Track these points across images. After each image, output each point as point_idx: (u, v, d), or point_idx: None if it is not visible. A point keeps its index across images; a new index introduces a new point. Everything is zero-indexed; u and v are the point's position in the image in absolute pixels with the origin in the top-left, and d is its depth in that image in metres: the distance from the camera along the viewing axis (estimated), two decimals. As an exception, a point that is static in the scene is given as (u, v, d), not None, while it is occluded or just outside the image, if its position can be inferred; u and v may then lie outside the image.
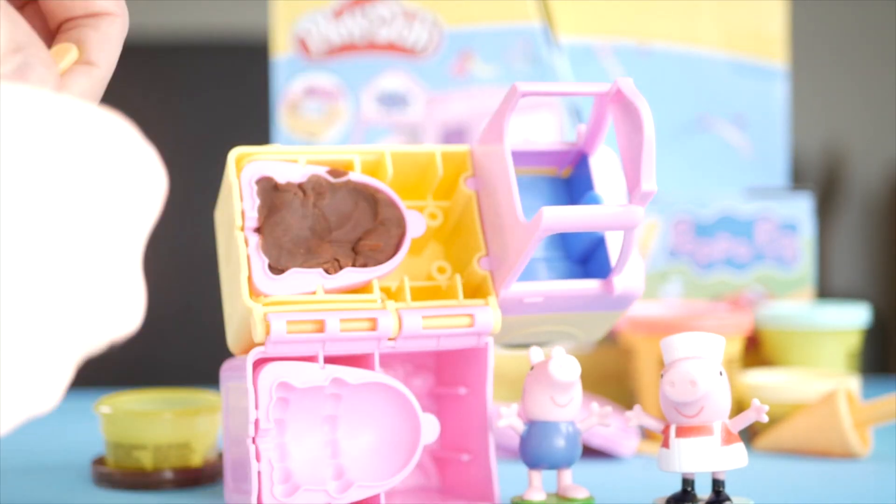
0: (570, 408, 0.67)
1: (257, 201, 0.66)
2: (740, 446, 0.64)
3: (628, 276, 0.68)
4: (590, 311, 0.70)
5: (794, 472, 0.81)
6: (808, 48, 2.54)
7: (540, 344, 0.72)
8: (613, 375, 0.99)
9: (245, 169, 0.67)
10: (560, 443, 0.67)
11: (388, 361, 0.73)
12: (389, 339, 0.67)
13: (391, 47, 1.02)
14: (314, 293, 0.66)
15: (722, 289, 1.01)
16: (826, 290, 1.44)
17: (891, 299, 2.72)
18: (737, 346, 0.92)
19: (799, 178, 2.15)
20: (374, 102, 1.02)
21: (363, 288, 0.68)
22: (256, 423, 0.65)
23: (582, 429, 0.67)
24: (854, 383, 0.89)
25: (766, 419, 0.63)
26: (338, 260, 0.67)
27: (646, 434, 0.87)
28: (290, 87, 1.02)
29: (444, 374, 0.73)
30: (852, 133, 2.77)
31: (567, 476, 0.68)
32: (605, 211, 0.64)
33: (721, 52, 1.03)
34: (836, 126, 2.76)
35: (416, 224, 0.69)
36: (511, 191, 0.66)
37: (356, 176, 0.68)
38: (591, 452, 0.83)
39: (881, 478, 0.79)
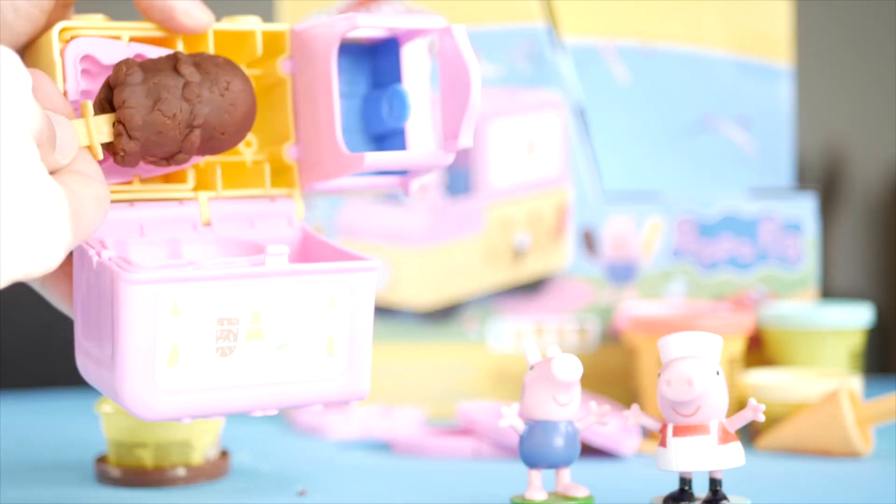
0: (571, 407, 0.67)
1: (81, 84, 0.66)
2: (737, 445, 0.64)
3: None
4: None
5: (795, 471, 0.81)
6: (814, 48, 2.54)
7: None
8: (616, 375, 0.99)
9: (69, 46, 0.66)
10: (559, 442, 0.67)
11: None
12: (206, 224, 0.70)
13: (396, 47, 1.02)
14: (131, 182, 0.68)
15: (725, 288, 1.01)
16: (829, 290, 1.44)
17: (894, 299, 2.72)
18: (739, 346, 0.93)
19: (803, 178, 2.15)
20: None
21: (180, 174, 0.70)
22: None
23: (580, 428, 0.68)
24: (856, 383, 0.89)
25: (762, 418, 0.63)
26: None
27: (648, 433, 0.87)
28: (294, 87, 1.02)
29: None
30: (857, 133, 2.77)
31: (566, 475, 0.68)
32: (420, 155, 0.68)
33: (726, 52, 1.03)
34: (841, 126, 2.76)
35: None
36: (333, 118, 0.69)
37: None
38: (592, 451, 0.84)
39: (882, 477, 0.79)
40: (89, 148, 0.63)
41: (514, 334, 1.01)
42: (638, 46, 1.03)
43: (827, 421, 0.84)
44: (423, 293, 1.01)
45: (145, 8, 0.67)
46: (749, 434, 0.89)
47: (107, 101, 0.64)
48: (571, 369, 0.66)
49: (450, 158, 0.68)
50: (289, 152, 0.71)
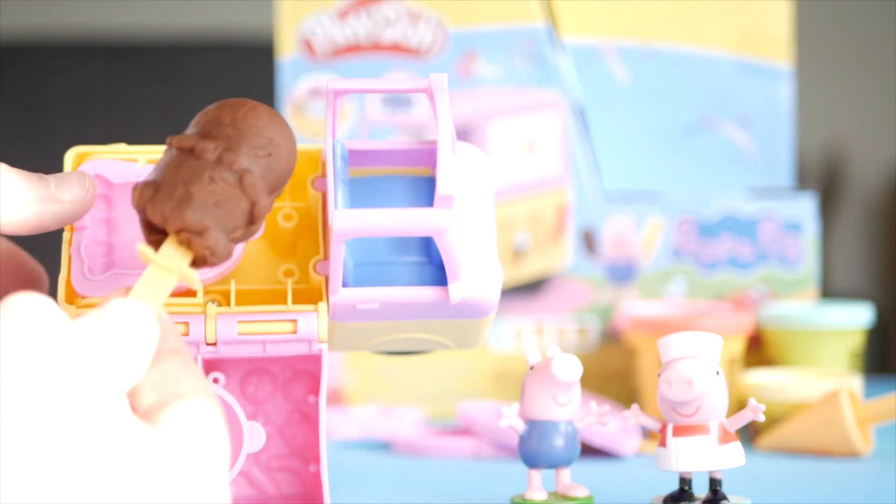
0: (571, 407, 0.67)
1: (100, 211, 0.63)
2: (737, 445, 0.64)
3: (473, 284, 0.64)
4: (437, 318, 0.66)
5: (795, 471, 0.81)
6: (814, 48, 2.54)
7: (425, 351, 0.70)
8: (616, 375, 1.00)
9: (81, 167, 0.63)
10: (559, 442, 0.67)
11: (238, 366, 0.69)
12: (210, 345, 0.63)
13: (396, 48, 1.02)
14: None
15: (725, 288, 1.01)
16: (829, 290, 1.44)
17: (894, 299, 2.72)
18: (739, 346, 0.93)
19: (803, 178, 2.15)
20: (380, 103, 1.03)
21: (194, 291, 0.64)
22: None
23: (580, 428, 0.68)
24: (856, 383, 0.89)
25: (762, 418, 0.63)
26: None
27: (648, 433, 0.87)
28: (295, 87, 1.02)
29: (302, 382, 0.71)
30: (857, 133, 2.77)
31: (566, 475, 0.68)
32: (403, 214, 0.60)
33: (726, 52, 1.03)
34: (841, 126, 2.76)
35: None
36: (329, 191, 0.63)
37: None
38: (592, 451, 0.84)
39: (882, 477, 0.79)
40: (185, 279, 0.54)
41: (514, 334, 1.01)
42: (638, 46, 1.03)
43: (827, 421, 0.84)
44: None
45: None
46: (749, 434, 0.89)
47: (155, 234, 0.56)
48: (571, 369, 0.66)
49: (441, 216, 0.60)
50: (317, 268, 0.64)
